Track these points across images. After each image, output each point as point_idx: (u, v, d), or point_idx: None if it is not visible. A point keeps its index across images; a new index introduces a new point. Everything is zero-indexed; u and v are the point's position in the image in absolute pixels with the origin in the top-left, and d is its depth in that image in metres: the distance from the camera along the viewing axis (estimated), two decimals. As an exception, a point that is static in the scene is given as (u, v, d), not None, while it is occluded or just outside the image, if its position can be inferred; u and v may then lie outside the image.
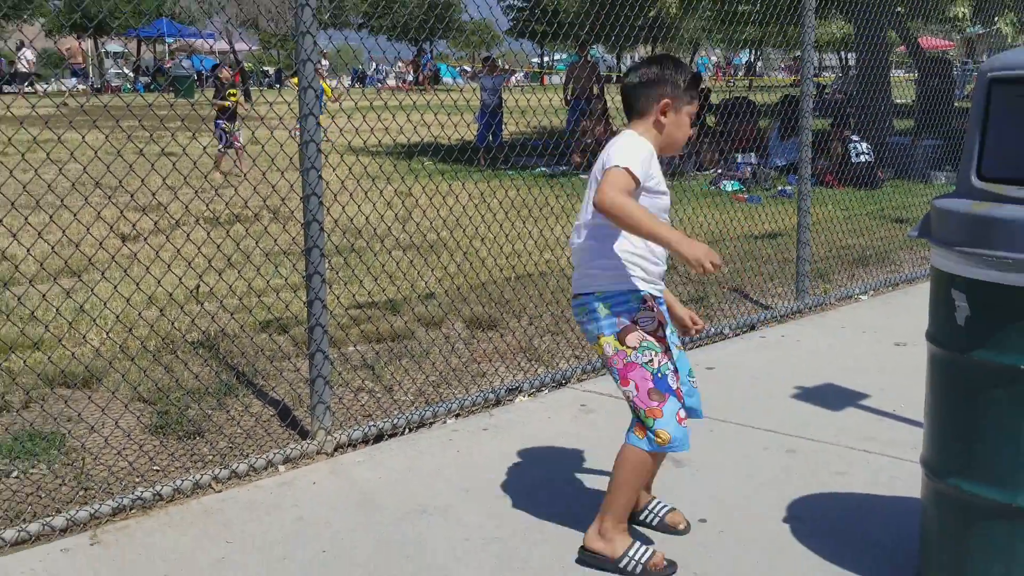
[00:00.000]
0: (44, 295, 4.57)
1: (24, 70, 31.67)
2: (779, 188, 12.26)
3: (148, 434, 4.29)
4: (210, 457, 4.09)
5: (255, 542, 3.38)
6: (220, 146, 13.01)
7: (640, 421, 3.08)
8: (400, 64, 34.87)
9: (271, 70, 44.23)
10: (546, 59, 42.96)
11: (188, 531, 3.46)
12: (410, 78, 33.29)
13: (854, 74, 17.84)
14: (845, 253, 8.18)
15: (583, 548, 3.22)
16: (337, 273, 5.27)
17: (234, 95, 13.40)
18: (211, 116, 13.23)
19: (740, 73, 40.04)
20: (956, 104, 12.53)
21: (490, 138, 14.91)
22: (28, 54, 31.64)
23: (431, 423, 4.50)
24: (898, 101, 14.64)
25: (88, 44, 37.56)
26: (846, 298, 6.95)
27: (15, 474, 3.84)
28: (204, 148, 4.33)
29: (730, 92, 21.99)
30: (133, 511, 3.60)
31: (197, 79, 14.17)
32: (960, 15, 12.91)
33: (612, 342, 3.07)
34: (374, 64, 32.89)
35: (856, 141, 12.65)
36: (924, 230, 2.87)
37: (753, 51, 36.71)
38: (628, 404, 3.12)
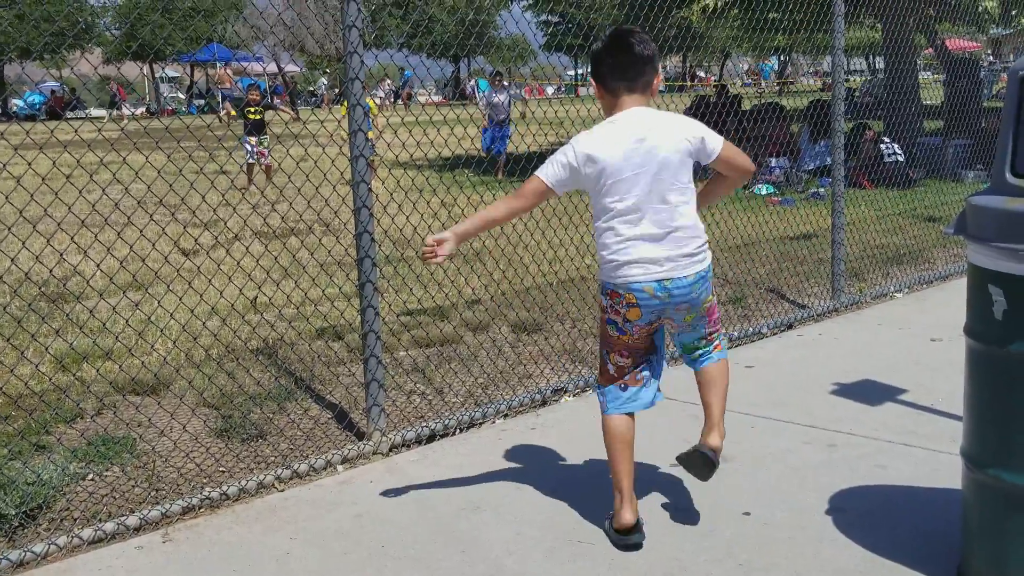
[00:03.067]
0: (114, 308, 4.74)
1: None
2: (811, 190, 12.32)
3: (214, 437, 4.43)
4: (272, 458, 4.23)
5: (317, 538, 3.49)
6: (249, 159, 13.51)
7: (716, 340, 3.49)
8: (388, 82, 33.91)
9: (318, 90, 44.58)
10: (580, 71, 43.07)
11: (254, 528, 3.59)
12: (382, 95, 32.59)
13: (882, 77, 17.82)
14: (879, 252, 8.23)
15: (715, 451, 3.37)
16: (388, 281, 5.42)
17: (253, 113, 13.83)
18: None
19: (770, 78, 39.93)
20: (984, 104, 12.52)
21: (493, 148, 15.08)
22: None
23: (481, 423, 4.62)
24: (927, 102, 14.64)
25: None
26: (881, 296, 7.02)
27: (90, 476, 3.98)
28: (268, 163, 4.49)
29: (761, 98, 21.99)
30: (202, 510, 3.73)
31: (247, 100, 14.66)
32: (989, 7, 12.88)
33: (711, 298, 3.39)
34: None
35: (888, 142, 12.69)
36: (960, 227, 2.89)
37: (780, 57, 36.60)
38: (710, 335, 3.46)
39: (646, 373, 3.46)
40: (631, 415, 3.44)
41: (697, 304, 3.32)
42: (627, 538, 3.36)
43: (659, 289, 3.23)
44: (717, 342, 3.51)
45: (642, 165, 3.19)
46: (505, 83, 16.65)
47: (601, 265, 3.32)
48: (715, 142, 3.28)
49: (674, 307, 3.28)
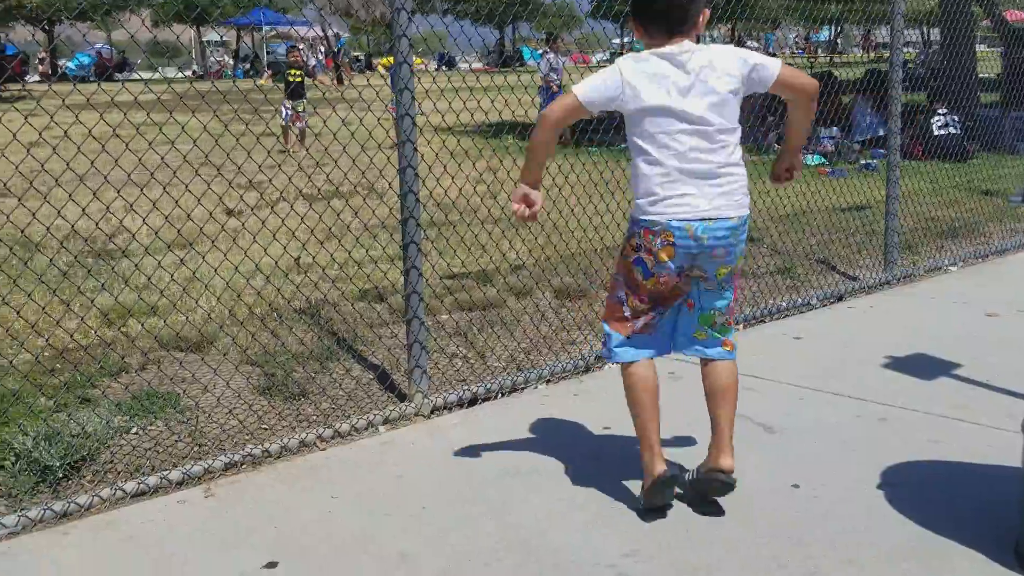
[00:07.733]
0: (159, 263, 4.75)
1: None
2: (863, 162, 12.11)
3: (256, 394, 4.44)
4: (314, 417, 4.23)
5: (359, 497, 3.48)
6: (283, 122, 13.84)
7: (727, 333, 3.31)
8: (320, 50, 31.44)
9: (361, 55, 44.59)
10: (626, 39, 42.61)
11: (295, 486, 3.58)
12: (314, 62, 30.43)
13: (936, 48, 17.42)
14: (933, 225, 8.05)
15: (729, 473, 3.23)
16: (432, 243, 5.38)
17: (293, 76, 14.03)
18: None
19: (819, 51, 39.34)
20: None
21: None
22: None
23: (523, 388, 4.59)
24: (983, 75, 14.32)
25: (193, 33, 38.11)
26: (935, 270, 6.88)
27: (134, 430, 4.00)
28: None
29: (811, 67, 21.62)
30: (244, 466, 3.73)
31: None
32: None
33: (742, 259, 3.26)
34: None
35: (943, 114, 12.41)
36: (1027, 195, 2.85)
37: (833, 28, 36.04)
38: (722, 318, 3.29)
39: (657, 322, 3.28)
40: (651, 360, 3.31)
41: (733, 255, 3.15)
42: (657, 493, 3.24)
43: (701, 229, 3.07)
44: (729, 337, 3.33)
45: (689, 98, 3.05)
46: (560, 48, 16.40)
47: (636, 200, 3.16)
48: (769, 67, 3.11)
49: (710, 253, 3.10)
